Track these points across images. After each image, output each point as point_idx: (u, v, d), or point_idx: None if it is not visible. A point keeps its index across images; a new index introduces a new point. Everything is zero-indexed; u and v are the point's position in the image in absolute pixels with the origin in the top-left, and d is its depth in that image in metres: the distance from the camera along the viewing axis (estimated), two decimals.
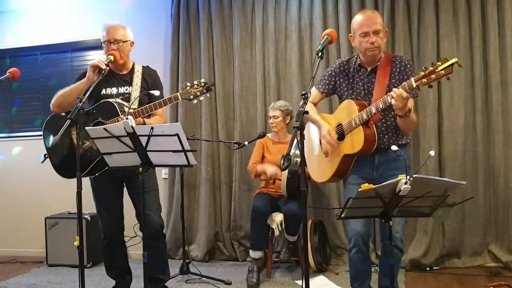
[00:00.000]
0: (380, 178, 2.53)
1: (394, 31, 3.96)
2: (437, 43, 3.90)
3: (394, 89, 2.34)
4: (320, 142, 2.74)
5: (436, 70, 2.19)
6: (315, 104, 2.85)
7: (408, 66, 2.62)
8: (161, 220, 3.03)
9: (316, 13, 4.15)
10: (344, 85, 2.73)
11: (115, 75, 3.00)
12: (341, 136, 2.66)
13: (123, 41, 2.94)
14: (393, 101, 2.34)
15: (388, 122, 2.61)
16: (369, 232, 2.67)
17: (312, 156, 2.88)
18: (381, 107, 2.46)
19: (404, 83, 2.34)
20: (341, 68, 2.75)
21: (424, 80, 2.23)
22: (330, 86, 2.79)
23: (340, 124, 2.68)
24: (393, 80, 2.59)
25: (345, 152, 2.63)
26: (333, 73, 2.77)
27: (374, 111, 2.49)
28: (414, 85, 2.27)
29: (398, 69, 2.61)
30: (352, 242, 2.65)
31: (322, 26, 4.08)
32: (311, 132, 2.91)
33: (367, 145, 2.54)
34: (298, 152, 2.73)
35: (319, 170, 2.82)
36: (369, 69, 2.64)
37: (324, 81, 2.81)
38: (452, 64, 2.15)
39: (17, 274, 4.12)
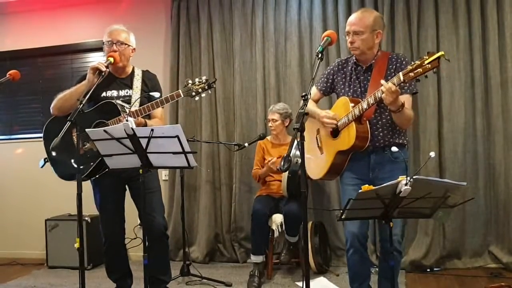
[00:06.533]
0: (376, 180, 2.53)
1: (394, 32, 3.96)
2: (437, 44, 3.90)
3: (383, 82, 2.33)
4: (317, 137, 2.73)
5: (423, 64, 2.19)
6: (316, 102, 2.87)
7: (404, 62, 2.59)
8: (165, 221, 3.03)
9: (315, 14, 4.16)
10: (341, 83, 2.73)
11: (115, 78, 2.99)
12: (336, 132, 2.66)
13: (125, 44, 2.93)
14: (383, 96, 2.33)
15: (384, 120, 2.58)
16: (365, 233, 2.65)
17: (308, 152, 2.86)
18: (371, 102, 2.45)
19: (393, 77, 2.33)
20: (340, 67, 2.76)
21: (412, 74, 2.23)
22: (328, 84, 2.80)
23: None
24: (389, 77, 2.56)
25: (339, 148, 2.62)
26: (332, 71, 2.79)
27: (365, 106, 2.48)
28: (402, 78, 2.26)
29: (394, 66, 2.59)
30: (348, 243, 2.65)
31: (322, 28, 4.09)
32: (308, 128, 2.87)
33: (359, 141, 2.52)
34: (298, 152, 2.73)
35: (315, 166, 2.82)
36: (364, 67, 2.64)
37: (322, 79, 2.83)
38: (439, 58, 2.16)
39: (17, 276, 4.11)
